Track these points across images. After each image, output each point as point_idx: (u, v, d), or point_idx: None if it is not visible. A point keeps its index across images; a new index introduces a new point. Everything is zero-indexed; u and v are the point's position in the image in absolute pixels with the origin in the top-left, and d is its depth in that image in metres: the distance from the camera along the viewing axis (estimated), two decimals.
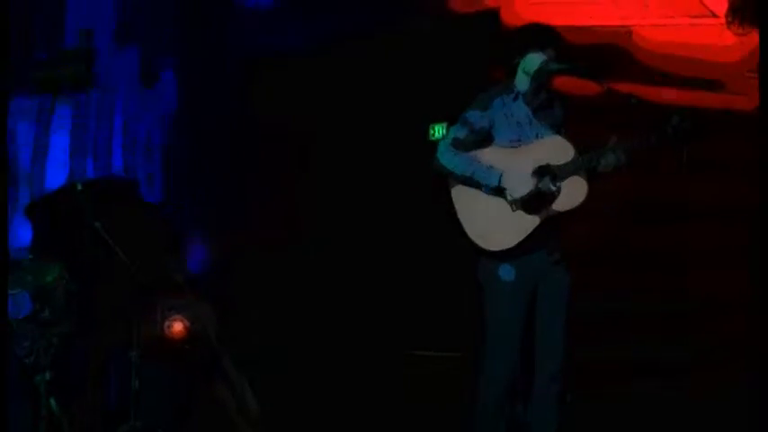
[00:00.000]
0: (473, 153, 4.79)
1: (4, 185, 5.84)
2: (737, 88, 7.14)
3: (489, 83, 5.12)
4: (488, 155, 4.79)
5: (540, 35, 4.83)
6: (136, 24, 7.49)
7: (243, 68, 7.66)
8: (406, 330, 6.86)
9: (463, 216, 4.80)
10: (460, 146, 4.80)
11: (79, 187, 5.63)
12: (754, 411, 5.18)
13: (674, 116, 4.54)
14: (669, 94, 6.89)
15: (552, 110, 4.90)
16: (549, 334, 4.80)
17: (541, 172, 4.71)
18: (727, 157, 6.77)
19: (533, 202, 4.71)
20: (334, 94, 7.31)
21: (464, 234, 4.79)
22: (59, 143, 7.24)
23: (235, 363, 6.39)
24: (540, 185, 4.70)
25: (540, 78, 4.77)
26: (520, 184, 4.71)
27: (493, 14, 7.07)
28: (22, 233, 6.80)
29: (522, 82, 4.83)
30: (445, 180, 4.85)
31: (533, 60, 4.75)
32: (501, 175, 4.71)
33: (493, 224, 4.74)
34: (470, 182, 4.77)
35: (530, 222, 4.70)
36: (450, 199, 4.84)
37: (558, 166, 4.70)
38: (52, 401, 5.30)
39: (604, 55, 6.98)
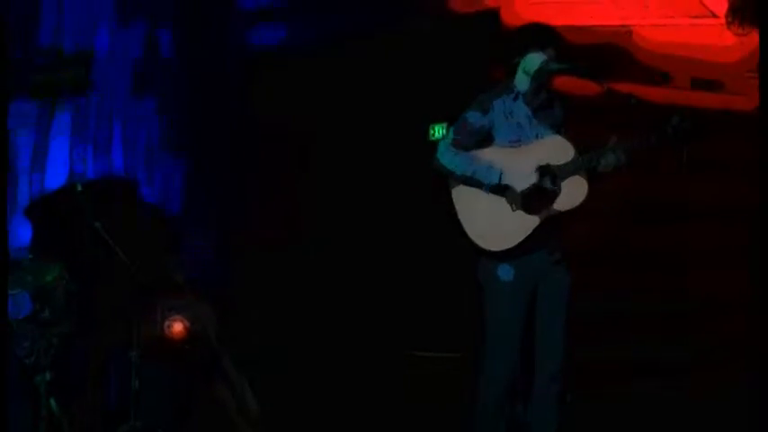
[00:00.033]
0: (473, 153, 4.79)
1: (4, 185, 5.84)
2: (737, 88, 7.14)
3: (489, 83, 5.11)
4: (488, 155, 4.78)
5: (540, 35, 4.83)
6: (136, 24, 7.50)
7: (243, 68, 7.66)
8: (406, 331, 6.86)
9: (463, 216, 4.80)
10: (460, 146, 4.80)
11: (79, 188, 5.63)
12: (754, 411, 5.19)
13: (674, 116, 4.54)
14: (669, 95, 6.89)
15: (552, 110, 4.90)
16: (550, 334, 4.79)
17: (542, 172, 4.72)
18: (727, 158, 6.78)
19: (533, 202, 4.71)
20: (334, 94, 7.32)
21: (464, 234, 4.78)
22: (59, 144, 7.25)
23: (235, 363, 6.38)
24: (540, 184, 4.71)
25: (541, 78, 4.77)
26: (521, 181, 4.72)
27: (493, 14, 7.06)
28: (22, 233, 6.80)
29: (522, 82, 4.82)
30: (445, 180, 4.85)
31: (533, 60, 4.74)
32: (501, 173, 4.71)
33: (493, 224, 4.74)
34: (471, 181, 4.77)
35: (530, 222, 4.70)
36: (451, 199, 4.84)
37: (558, 166, 4.70)
38: (52, 402, 5.30)
39: (604, 55, 6.98)
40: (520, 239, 4.70)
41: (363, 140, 7.23)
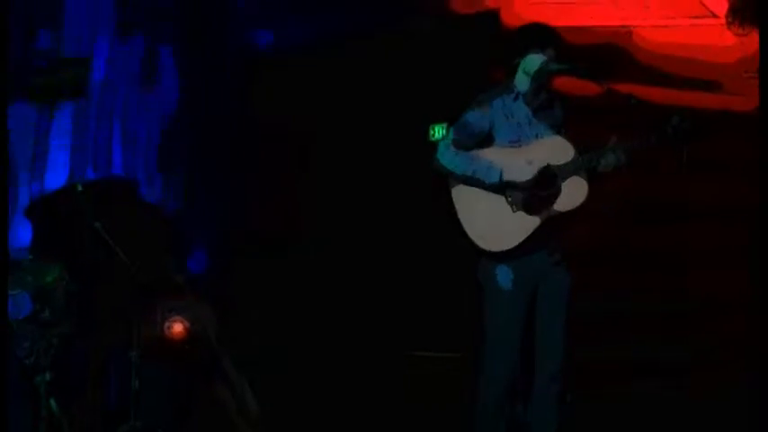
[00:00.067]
0: (473, 152, 4.79)
1: (5, 185, 5.84)
2: (737, 89, 7.13)
3: (489, 83, 5.12)
4: (488, 155, 4.79)
5: (540, 35, 4.84)
6: (136, 24, 7.49)
7: (243, 68, 7.66)
8: (406, 331, 6.86)
9: (463, 216, 4.80)
10: (460, 146, 4.80)
11: (79, 188, 5.63)
12: (754, 411, 5.19)
13: (674, 116, 4.55)
14: (669, 95, 6.89)
15: (552, 110, 4.90)
16: (550, 334, 4.80)
17: (542, 172, 4.72)
18: (727, 157, 6.77)
19: (534, 203, 4.71)
20: (334, 94, 7.31)
21: (464, 234, 4.79)
22: (59, 144, 7.24)
23: (235, 363, 6.39)
24: (540, 184, 4.71)
25: (541, 79, 4.77)
26: (522, 176, 4.71)
27: (493, 15, 7.07)
28: (22, 233, 6.79)
29: (522, 82, 4.83)
30: (445, 180, 4.85)
31: (533, 61, 4.75)
32: (502, 172, 4.71)
33: (493, 225, 4.74)
34: (471, 181, 4.77)
35: (530, 223, 4.70)
36: (451, 199, 4.84)
37: (558, 166, 4.70)
38: (52, 402, 5.30)
39: (604, 55, 6.98)
40: (520, 240, 4.71)
41: (363, 141, 7.23)
